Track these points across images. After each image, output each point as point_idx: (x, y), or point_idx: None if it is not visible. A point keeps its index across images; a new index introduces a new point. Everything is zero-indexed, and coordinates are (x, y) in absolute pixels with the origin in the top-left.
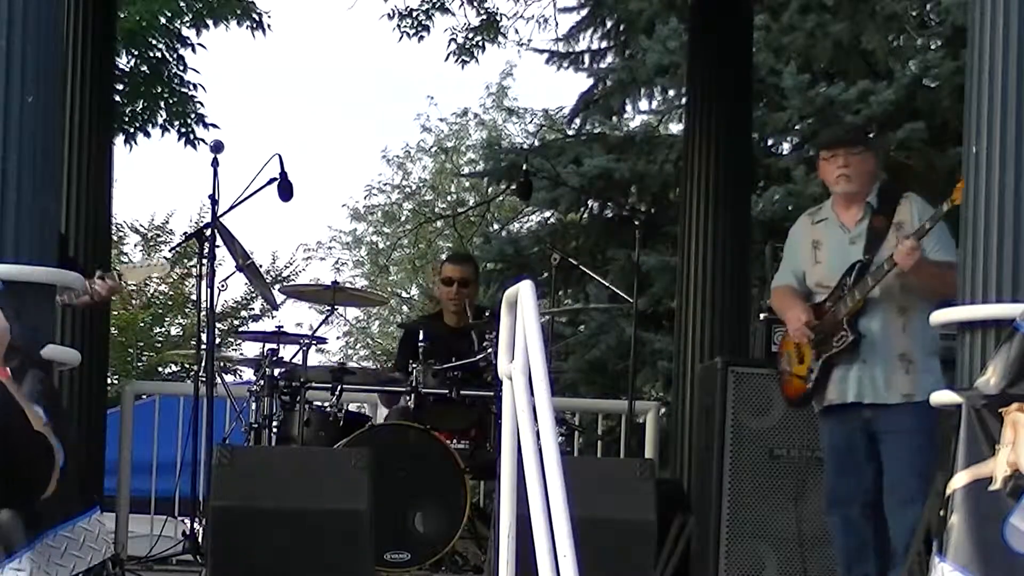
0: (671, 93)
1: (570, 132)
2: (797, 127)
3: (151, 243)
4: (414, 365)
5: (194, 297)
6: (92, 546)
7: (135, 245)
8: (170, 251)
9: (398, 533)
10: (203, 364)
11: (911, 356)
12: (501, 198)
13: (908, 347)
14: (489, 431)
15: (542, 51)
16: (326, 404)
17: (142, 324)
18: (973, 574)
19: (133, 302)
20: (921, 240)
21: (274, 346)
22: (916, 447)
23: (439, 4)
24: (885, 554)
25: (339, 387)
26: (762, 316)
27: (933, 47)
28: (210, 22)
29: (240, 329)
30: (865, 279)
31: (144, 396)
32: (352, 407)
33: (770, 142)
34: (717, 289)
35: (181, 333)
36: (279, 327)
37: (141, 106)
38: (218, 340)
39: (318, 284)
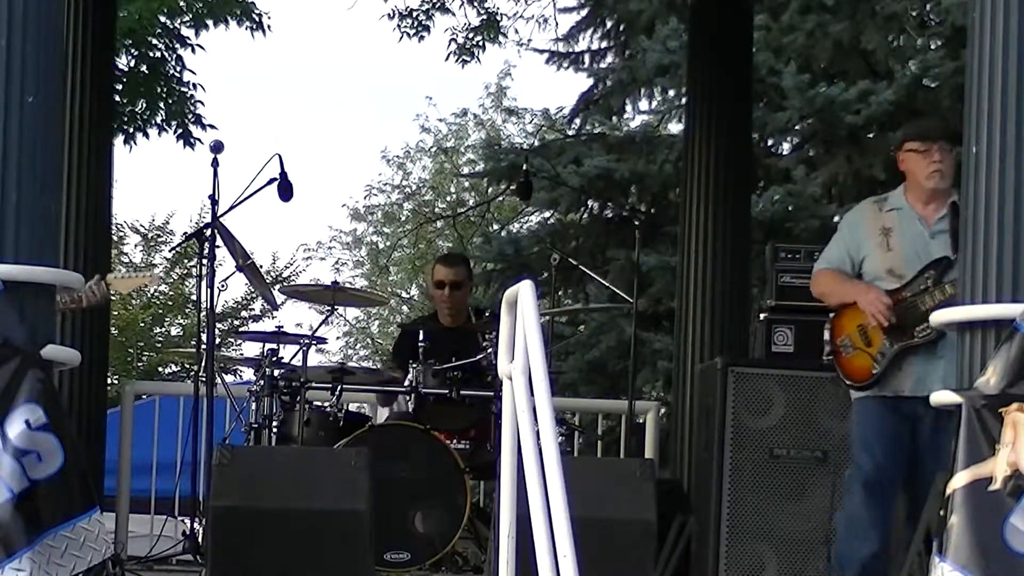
0: (671, 93)
1: (570, 132)
2: (797, 127)
3: (151, 243)
4: (414, 365)
5: (194, 297)
6: (92, 546)
7: (135, 245)
8: (170, 251)
9: (398, 533)
10: (203, 364)
11: None
12: (501, 198)
13: None
14: (489, 431)
15: (542, 51)
16: (326, 404)
17: (142, 324)
18: (973, 574)
19: (133, 302)
20: None
21: (274, 346)
22: None
23: (439, 4)
24: (887, 544)
25: (339, 387)
26: (762, 316)
27: (933, 47)
28: (210, 22)
29: (240, 329)
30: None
31: (144, 396)
32: (352, 407)
33: (770, 142)
34: (717, 289)
35: (181, 333)
36: (279, 327)
37: (141, 106)
38: (218, 340)
39: (318, 284)
